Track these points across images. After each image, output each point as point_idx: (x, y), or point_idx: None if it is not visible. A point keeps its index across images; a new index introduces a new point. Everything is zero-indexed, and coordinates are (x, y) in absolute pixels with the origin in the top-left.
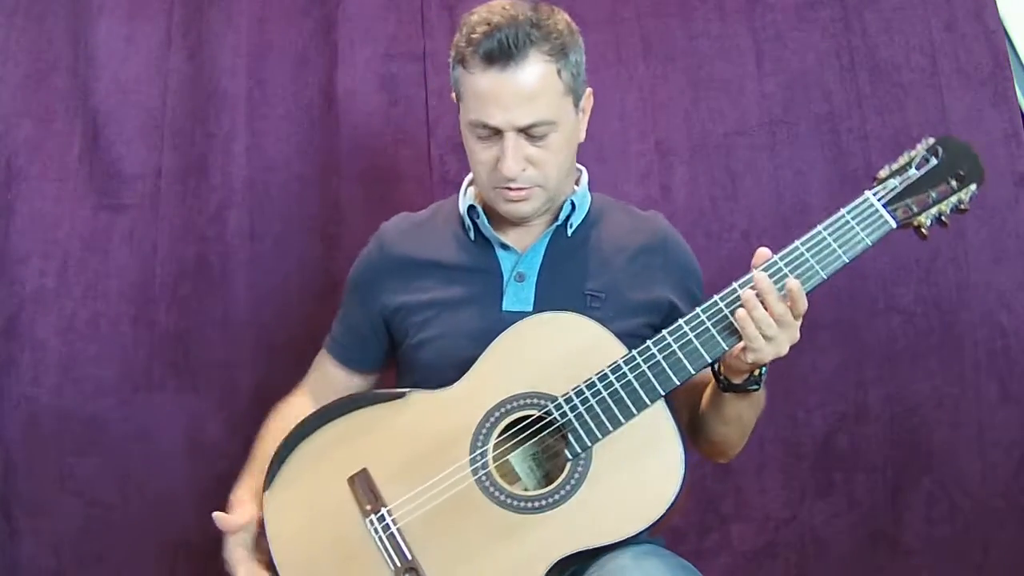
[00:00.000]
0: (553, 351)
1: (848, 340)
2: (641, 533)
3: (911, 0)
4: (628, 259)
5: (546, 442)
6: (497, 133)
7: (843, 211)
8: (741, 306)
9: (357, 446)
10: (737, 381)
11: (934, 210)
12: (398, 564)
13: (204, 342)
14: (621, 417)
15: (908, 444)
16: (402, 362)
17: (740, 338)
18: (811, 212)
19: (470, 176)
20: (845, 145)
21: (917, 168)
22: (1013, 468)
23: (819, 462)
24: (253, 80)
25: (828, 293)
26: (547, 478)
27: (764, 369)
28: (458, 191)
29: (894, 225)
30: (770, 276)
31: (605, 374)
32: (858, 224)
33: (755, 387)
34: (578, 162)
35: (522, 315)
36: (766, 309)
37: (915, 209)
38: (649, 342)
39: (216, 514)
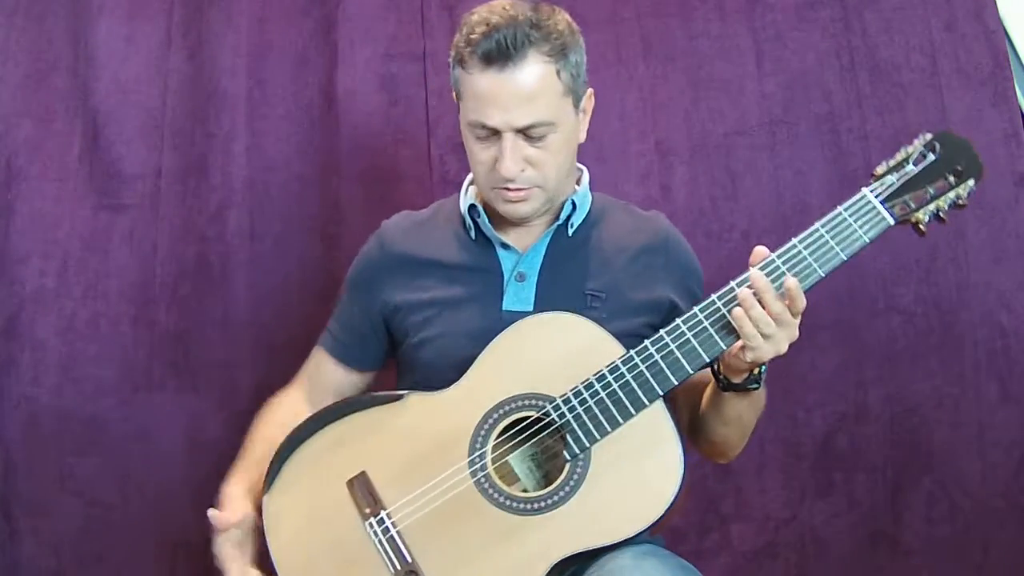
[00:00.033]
0: (551, 352)
1: (848, 340)
2: (641, 533)
3: (911, 0)
4: (629, 259)
5: (545, 443)
6: (496, 134)
7: (840, 208)
8: (738, 305)
9: (355, 449)
10: (737, 380)
11: (932, 206)
12: (398, 567)
13: (204, 342)
14: (619, 418)
15: (908, 444)
16: (402, 361)
17: (738, 337)
18: (811, 212)
19: (471, 175)
20: (845, 145)
21: (915, 164)
22: (1013, 468)
23: (819, 462)
24: (253, 80)
25: (828, 293)
26: (546, 478)
27: (764, 368)
28: (458, 191)
29: (892, 222)
30: (768, 274)
31: (603, 375)
32: (856, 221)
33: (755, 386)
34: (578, 162)
35: (522, 315)
36: (764, 308)
37: (913, 206)
38: (647, 342)
39: (211, 512)
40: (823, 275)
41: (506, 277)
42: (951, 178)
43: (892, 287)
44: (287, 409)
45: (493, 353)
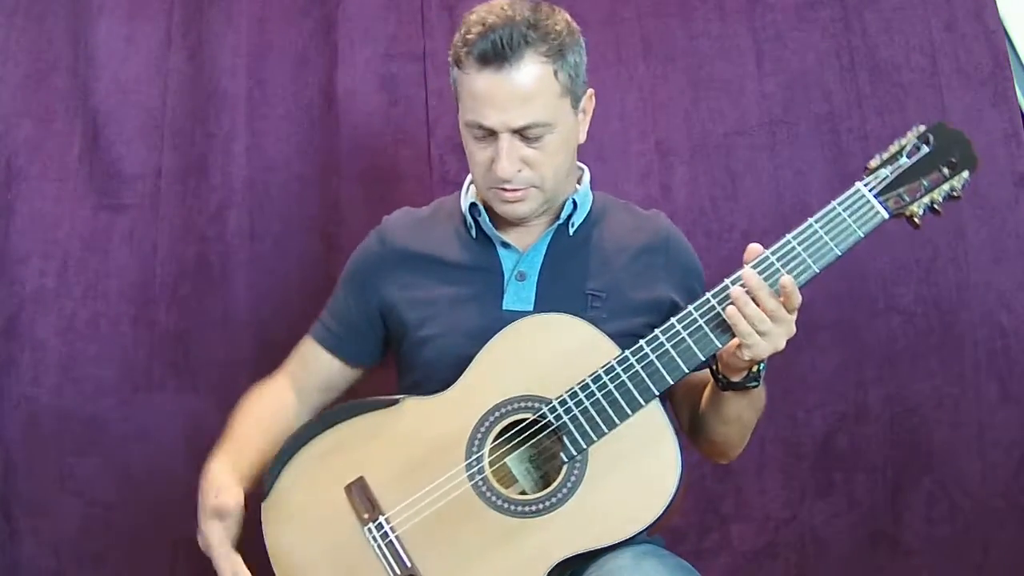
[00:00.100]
0: (547, 353)
1: (848, 340)
2: (640, 533)
3: (911, 0)
4: (630, 258)
5: (542, 444)
6: (493, 134)
7: (834, 203)
8: (732, 303)
9: (353, 454)
10: (736, 379)
11: (926, 199)
12: (397, 572)
13: (204, 342)
14: (616, 418)
15: (908, 444)
16: (401, 360)
17: (734, 335)
18: (811, 212)
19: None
20: (845, 145)
21: (908, 156)
22: (1013, 468)
23: (819, 462)
24: (253, 80)
25: (828, 293)
26: (545, 479)
27: (762, 366)
28: (459, 191)
29: (886, 216)
30: (763, 271)
31: (598, 375)
32: (850, 216)
33: (754, 384)
34: (579, 161)
35: (522, 314)
36: (758, 305)
37: (907, 199)
38: (642, 341)
39: (219, 501)
40: (818, 271)
41: (506, 276)
42: (945, 170)
43: (892, 287)
44: (273, 397)
45: (489, 355)
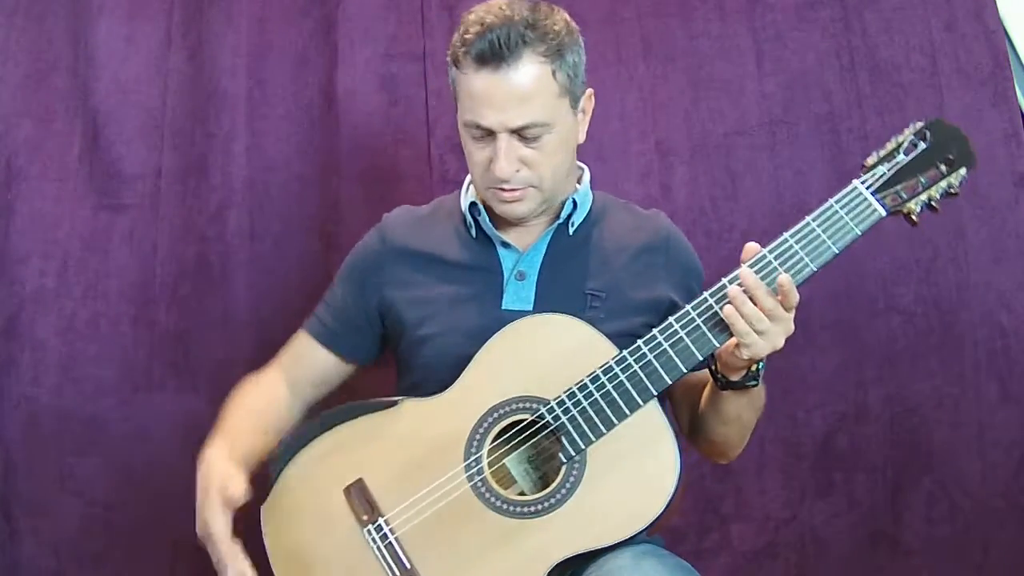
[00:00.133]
0: (545, 353)
1: (848, 340)
2: (639, 533)
3: (911, 0)
4: (630, 258)
5: (541, 445)
6: (491, 134)
7: (831, 201)
8: (730, 303)
9: (352, 456)
10: (735, 378)
11: (924, 196)
12: (397, 573)
13: (204, 342)
14: (614, 418)
15: (908, 444)
16: (401, 360)
17: (731, 334)
18: (810, 212)
19: None
20: (845, 145)
21: (905, 153)
22: (1013, 468)
23: (819, 462)
24: (253, 80)
25: (828, 293)
26: (544, 480)
27: (761, 364)
28: (458, 190)
29: (884, 213)
30: (760, 270)
31: (596, 375)
32: (847, 214)
33: (753, 383)
34: (579, 161)
35: (522, 314)
36: (756, 304)
37: (905, 196)
38: (640, 342)
39: (231, 490)
40: (816, 269)
41: (506, 276)
42: (943, 167)
43: (892, 287)
44: (265, 389)
45: (487, 355)
